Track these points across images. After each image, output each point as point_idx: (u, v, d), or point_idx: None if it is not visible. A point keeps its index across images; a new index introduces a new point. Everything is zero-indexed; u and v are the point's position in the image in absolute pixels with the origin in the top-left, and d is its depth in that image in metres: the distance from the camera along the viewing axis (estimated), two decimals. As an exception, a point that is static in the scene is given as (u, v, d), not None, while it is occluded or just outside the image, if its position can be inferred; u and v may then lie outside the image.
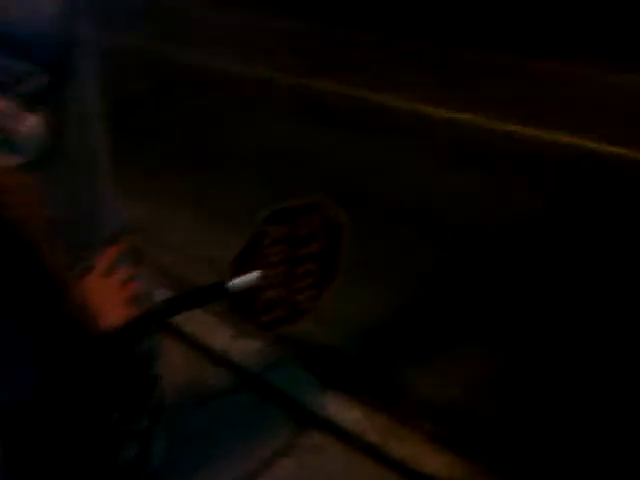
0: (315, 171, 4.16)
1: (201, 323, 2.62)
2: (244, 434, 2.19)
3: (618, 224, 3.62)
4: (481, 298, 3.02)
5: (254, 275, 1.26)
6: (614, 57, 6.66)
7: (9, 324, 0.99)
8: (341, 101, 5.69)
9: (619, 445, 2.18)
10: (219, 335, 2.62)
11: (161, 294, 1.32)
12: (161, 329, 1.28)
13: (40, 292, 0.94)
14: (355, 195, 3.70)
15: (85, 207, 1.01)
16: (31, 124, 0.84)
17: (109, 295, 1.01)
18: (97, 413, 1.13)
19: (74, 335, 0.99)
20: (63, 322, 0.97)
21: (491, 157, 4.55)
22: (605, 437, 2.21)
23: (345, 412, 2.27)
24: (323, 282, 1.39)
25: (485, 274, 3.21)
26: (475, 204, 3.82)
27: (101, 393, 1.12)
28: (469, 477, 2.05)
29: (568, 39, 7.23)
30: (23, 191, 0.85)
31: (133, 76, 6.04)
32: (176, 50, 7.19)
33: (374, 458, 2.11)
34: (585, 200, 3.94)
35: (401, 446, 2.14)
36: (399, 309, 2.96)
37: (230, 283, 1.24)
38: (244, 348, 2.56)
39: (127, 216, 1.15)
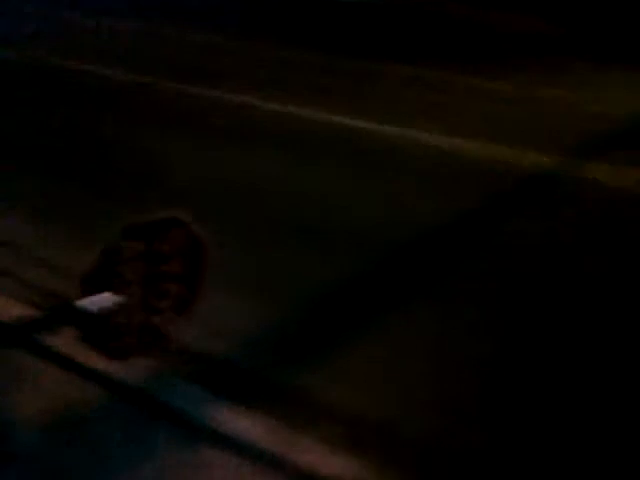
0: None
1: (74, 339, 2.38)
2: (129, 454, 1.98)
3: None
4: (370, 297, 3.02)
5: (105, 296, 1.13)
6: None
7: None
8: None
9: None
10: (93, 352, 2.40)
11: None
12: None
13: None
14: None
15: None
16: None
17: None
18: None
19: None
20: None
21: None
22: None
23: (236, 422, 2.13)
24: (184, 303, 1.28)
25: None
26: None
27: None
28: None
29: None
30: None
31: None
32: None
33: (268, 467, 1.98)
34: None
35: (296, 452, 2.03)
36: (288, 315, 2.89)
37: (79, 304, 1.10)
38: (125, 364, 2.35)
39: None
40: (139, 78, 6.64)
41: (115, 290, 1.15)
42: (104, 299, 1.14)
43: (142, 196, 3.62)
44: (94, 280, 1.17)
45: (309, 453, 2.03)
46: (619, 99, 6.88)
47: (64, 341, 2.28)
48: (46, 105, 5.63)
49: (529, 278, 3.29)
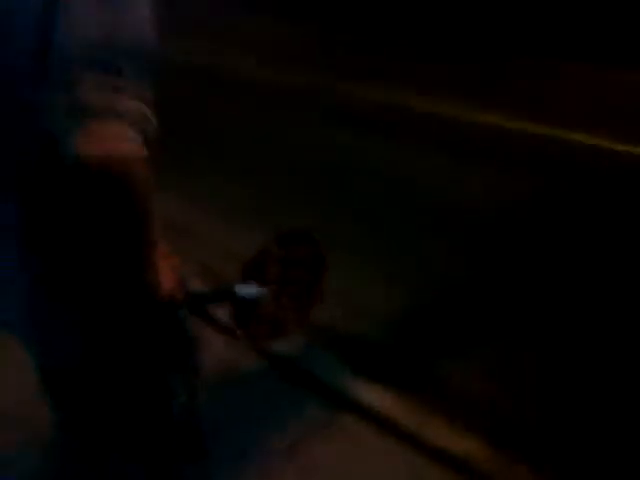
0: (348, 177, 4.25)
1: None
2: (278, 417, 2.25)
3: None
4: (514, 288, 3.05)
5: (256, 288, 1.36)
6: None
7: (57, 294, 1.06)
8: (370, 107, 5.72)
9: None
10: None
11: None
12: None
13: (127, 261, 1.02)
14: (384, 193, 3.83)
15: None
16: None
17: (167, 274, 1.12)
18: (151, 372, 1.23)
19: (141, 301, 1.09)
20: (136, 290, 1.07)
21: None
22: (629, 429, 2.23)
23: (378, 398, 2.32)
24: (305, 307, 1.49)
25: (517, 265, 3.24)
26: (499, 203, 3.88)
27: (155, 354, 1.21)
28: (499, 463, 2.08)
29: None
30: (145, 168, 0.92)
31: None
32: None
33: (406, 442, 2.16)
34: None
35: (432, 431, 2.19)
36: (431, 298, 3.03)
37: (238, 289, 1.34)
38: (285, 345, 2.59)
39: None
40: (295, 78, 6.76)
41: (262, 285, 1.42)
42: (252, 288, 1.40)
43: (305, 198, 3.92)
44: (248, 272, 1.43)
45: (439, 431, 2.20)
46: None
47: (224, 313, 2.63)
48: (212, 106, 5.87)
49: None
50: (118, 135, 0.86)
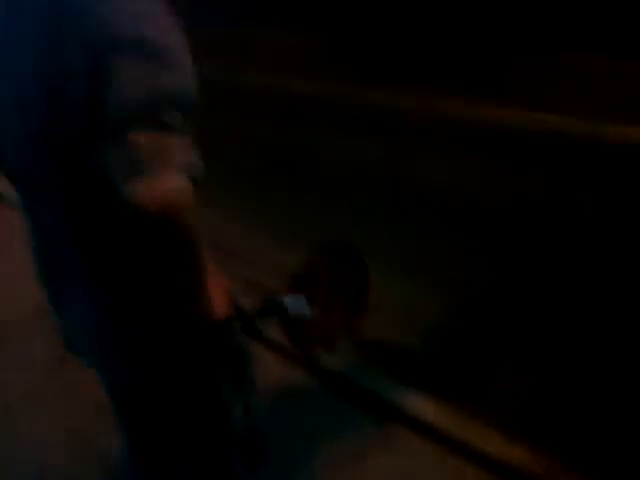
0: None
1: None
2: (328, 432, 2.30)
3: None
4: (556, 296, 3.04)
5: (304, 302, 1.43)
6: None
7: (121, 321, 1.16)
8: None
9: None
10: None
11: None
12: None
13: (181, 289, 1.11)
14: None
15: None
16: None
17: (218, 293, 1.20)
18: (208, 387, 1.30)
19: (197, 324, 1.18)
20: (192, 315, 1.15)
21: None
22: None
23: (427, 409, 2.36)
24: (352, 320, 1.54)
25: (554, 274, 3.23)
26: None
27: (211, 370, 1.29)
28: (548, 470, 2.09)
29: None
30: (193, 211, 1.02)
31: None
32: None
33: (457, 453, 2.19)
34: None
35: (483, 441, 2.21)
36: (472, 308, 3.04)
37: (285, 301, 1.41)
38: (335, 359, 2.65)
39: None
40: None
41: (306, 295, 1.47)
42: (300, 302, 1.45)
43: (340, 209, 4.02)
44: (296, 283, 1.48)
45: (490, 441, 2.21)
46: None
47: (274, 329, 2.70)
48: (246, 121, 6.01)
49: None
50: (169, 185, 0.96)
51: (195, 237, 1.04)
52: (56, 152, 1.01)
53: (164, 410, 1.28)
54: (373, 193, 4.27)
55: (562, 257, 3.36)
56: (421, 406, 2.37)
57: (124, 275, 1.11)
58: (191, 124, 1.03)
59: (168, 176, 0.95)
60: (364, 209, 4.04)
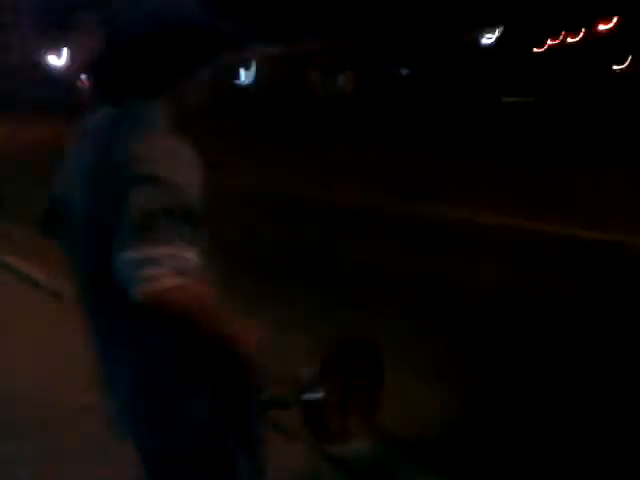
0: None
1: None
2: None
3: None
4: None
5: (322, 393, 1.54)
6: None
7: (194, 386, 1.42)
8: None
9: None
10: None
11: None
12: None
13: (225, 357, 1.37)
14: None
15: None
16: None
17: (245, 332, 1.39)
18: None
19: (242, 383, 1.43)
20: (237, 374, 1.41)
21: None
22: None
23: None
24: (368, 413, 1.73)
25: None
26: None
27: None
28: None
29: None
30: (190, 298, 1.27)
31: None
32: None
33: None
34: None
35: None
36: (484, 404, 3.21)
37: (304, 394, 1.54)
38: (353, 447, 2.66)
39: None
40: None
41: (327, 389, 1.64)
42: (318, 393, 1.63)
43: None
44: (315, 377, 1.66)
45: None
46: None
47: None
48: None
49: None
50: (163, 287, 1.23)
51: (200, 314, 1.28)
52: (94, 229, 1.37)
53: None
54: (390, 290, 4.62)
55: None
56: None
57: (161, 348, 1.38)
58: (196, 232, 1.30)
59: (162, 280, 1.22)
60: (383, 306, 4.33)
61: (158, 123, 1.38)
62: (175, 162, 1.32)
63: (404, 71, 24.39)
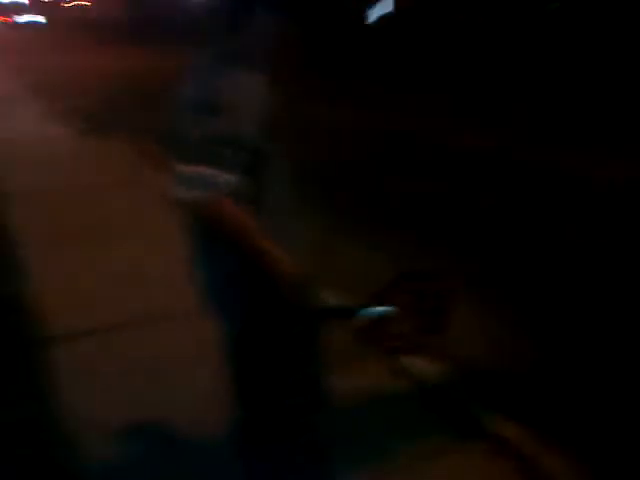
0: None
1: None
2: (411, 434, 2.52)
3: None
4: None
5: (388, 308, 1.69)
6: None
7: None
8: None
9: None
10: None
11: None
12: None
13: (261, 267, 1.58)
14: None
15: None
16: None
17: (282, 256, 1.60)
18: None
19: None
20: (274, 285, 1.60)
21: None
22: None
23: (499, 426, 2.53)
24: (433, 331, 1.77)
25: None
26: None
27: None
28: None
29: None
30: (233, 207, 1.52)
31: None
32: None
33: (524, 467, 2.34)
34: None
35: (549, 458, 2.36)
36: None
37: (365, 308, 1.69)
38: (421, 365, 2.88)
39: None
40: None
41: (393, 307, 1.73)
42: (387, 310, 1.72)
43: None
44: (381, 296, 1.75)
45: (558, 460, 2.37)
46: None
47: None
48: None
49: None
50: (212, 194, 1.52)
51: (237, 223, 1.55)
52: None
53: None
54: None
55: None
56: (494, 423, 2.55)
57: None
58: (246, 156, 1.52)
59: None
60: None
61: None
62: (239, 95, 1.51)
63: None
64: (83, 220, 4.88)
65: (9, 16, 39.88)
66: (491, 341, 3.19)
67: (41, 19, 40.01)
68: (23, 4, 43.26)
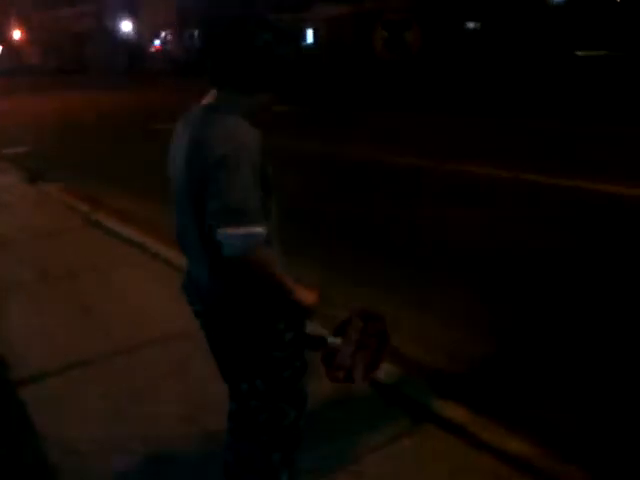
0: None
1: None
2: (374, 424, 2.99)
3: None
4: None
5: (340, 341, 2.12)
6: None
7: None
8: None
9: None
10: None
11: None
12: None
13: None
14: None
15: None
16: None
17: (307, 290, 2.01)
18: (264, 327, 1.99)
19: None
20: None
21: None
22: None
23: (451, 410, 3.04)
24: (371, 366, 2.17)
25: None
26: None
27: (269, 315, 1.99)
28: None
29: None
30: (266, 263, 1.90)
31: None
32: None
33: (472, 445, 2.82)
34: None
35: (491, 435, 2.85)
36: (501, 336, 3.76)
37: (329, 339, 2.13)
38: (385, 368, 3.25)
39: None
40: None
41: (342, 340, 2.13)
42: (337, 340, 2.12)
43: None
44: (338, 330, 2.16)
45: (500, 436, 2.86)
46: None
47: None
48: None
49: None
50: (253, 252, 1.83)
51: (271, 277, 1.89)
52: (192, 198, 1.90)
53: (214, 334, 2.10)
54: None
55: None
56: (446, 408, 3.05)
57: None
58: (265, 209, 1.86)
59: (250, 249, 1.81)
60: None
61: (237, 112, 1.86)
62: (246, 140, 1.81)
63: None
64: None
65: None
66: (442, 342, 3.74)
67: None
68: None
